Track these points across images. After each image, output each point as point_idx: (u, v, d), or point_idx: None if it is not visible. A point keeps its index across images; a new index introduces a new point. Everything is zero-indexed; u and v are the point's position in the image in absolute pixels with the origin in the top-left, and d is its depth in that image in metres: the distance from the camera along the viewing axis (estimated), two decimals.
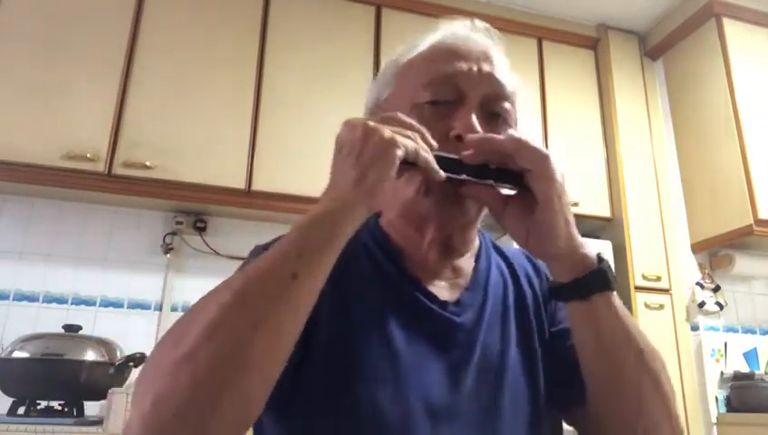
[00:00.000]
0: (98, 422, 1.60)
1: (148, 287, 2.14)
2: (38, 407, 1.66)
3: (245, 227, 2.25)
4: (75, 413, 1.68)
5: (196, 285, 2.15)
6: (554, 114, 2.56)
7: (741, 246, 2.50)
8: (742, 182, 2.32)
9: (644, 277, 2.37)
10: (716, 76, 2.50)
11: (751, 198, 2.29)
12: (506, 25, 2.55)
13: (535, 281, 0.73)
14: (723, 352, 2.46)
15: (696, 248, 2.56)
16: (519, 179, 0.57)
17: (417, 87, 0.65)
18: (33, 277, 2.05)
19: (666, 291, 2.40)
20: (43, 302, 2.04)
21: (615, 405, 0.58)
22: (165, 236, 2.19)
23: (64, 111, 1.95)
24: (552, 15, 2.71)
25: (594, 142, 2.60)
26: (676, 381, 2.24)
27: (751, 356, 2.50)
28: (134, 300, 2.12)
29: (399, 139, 0.52)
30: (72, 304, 2.06)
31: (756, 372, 2.37)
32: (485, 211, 0.67)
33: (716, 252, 2.57)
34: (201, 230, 2.22)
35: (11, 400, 1.65)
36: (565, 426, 0.70)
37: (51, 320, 1.96)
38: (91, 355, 1.67)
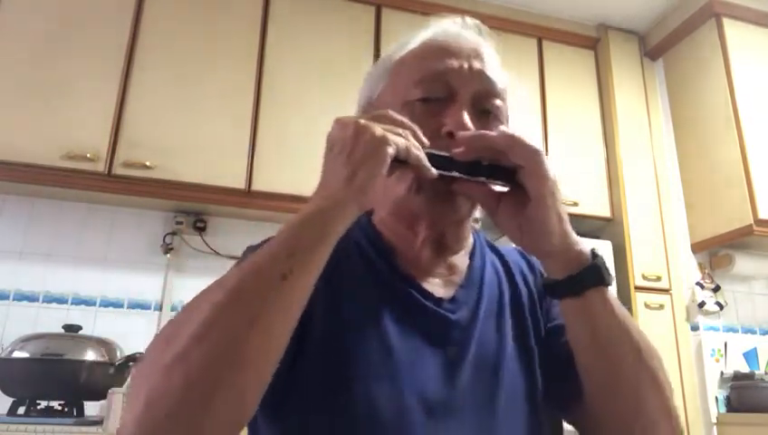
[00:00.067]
0: (98, 422, 1.60)
1: (148, 287, 2.14)
2: (38, 407, 1.66)
3: (245, 227, 2.25)
4: (75, 413, 1.68)
5: (196, 285, 2.11)
6: (554, 114, 2.56)
7: (741, 246, 2.50)
8: (742, 182, 2.32)
9: (644, 277, 2.37)
10: (716, 76, 2.50)
11: (751, 198, 2.29)
12: (506, 25, 2.56)
13: (530, 278, 0.73)
14: (723, 352, 2.46)
15: (696, 248, 2.56)
16: (511, 176, 0.57)
17: (409, 84, 0.65)
18: (33, 277, 2.05)
19: (666, 291, 2.40)
20: (43, 302, 2.04)
21: (613, 404, 0.58)
22: (165, 236, 2.19)
23: (64, 111, 1.95)
24: (552, 15, 2.71)
25: (594, 142, 2.60)
26: (676, 381, 2.24)
27: (751, 356, 2.50)
28: (134, 300, 2.12)
29: (390, 136, 0.52)
30: (72, 304, 2.06)
31: (756, 372, 2.37)
32: (478, 209, 0.67)
33: (716, 252, 2.56)
34: (201, 230, 2.22)
35: (11, 400, 1.65)
36: (566, 426, 0.70)
37: (51, 320, 1.96)
38: (91, 355, 1.67)
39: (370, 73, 0.72)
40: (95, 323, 2.03)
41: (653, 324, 2.31)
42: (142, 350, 1.77)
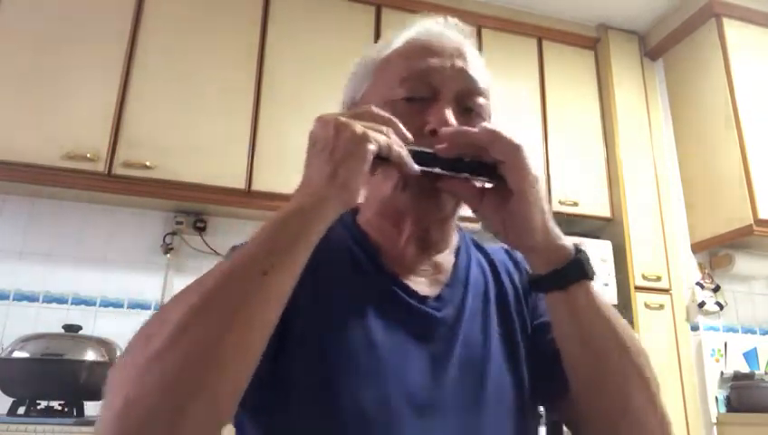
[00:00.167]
0: None
1: (148, 287, 2.14)
2: (38, 407, 1.66)
3: (245, 227, 2.25)
4: (75, 413, 1.68)
5: None
6: (554, 114, 2.56)
7: (741, 246, 2.50)
8: (742, 182, 2.32)
9: (644, 277, 2.37)
10: (716, 76, 2.50)
11: (751, 198, 2.29)
12: (506, 25, 2.56)
13: (516, 276, 0.73)
14: (723, 352, 2.46)
15: (696, 248, 2.56)
16: (494, 172, 0.57)
17: (392, 84, 0.65)
18: (33, 277, 2.05)
19: (666, 291, 2.41)
20: (43, 302, 2.04)
21: (599, 400, 0.58)
22: (165, 236, 2.19)
23: (64, 110, 1.96)
24: (552, 15, 2.71)
25: (594, 142, 2.60)
26: (676, 381, 2.25)
27: (751, 356, 2.50)
28: (134, 300, 2.12)
29: (372, 134, 0.52)
30: (72, 304, 2.06)
31: (756, 372, 2.38)
32: (465, 207, 0.67)
33: (716, 252, 2.57)
34: (201, 230, 2.22)
35: (11, 400, 1.65)
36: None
37: (51, 320, 1.96)
38: (91, 355, 1.67)
39: (354, 73, 0.72)
40: (95, 323, 2.03)
41: (653, 324, 2.31)
42: None
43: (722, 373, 2.41)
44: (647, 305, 2.34)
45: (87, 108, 1.98)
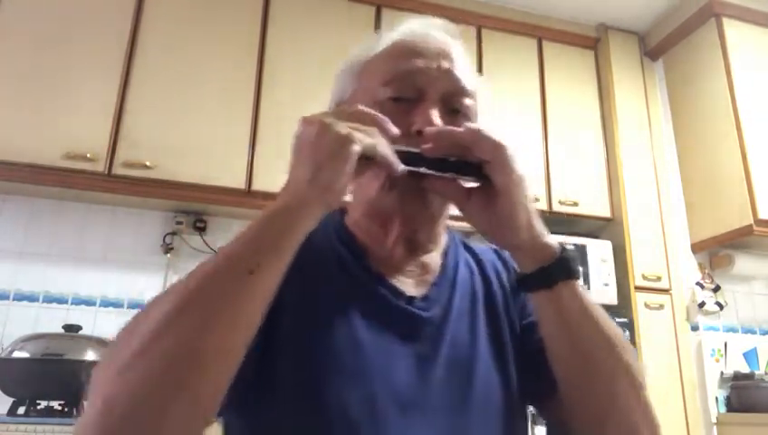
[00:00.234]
0: None
1: (148, 287, 2.13)
2: (38, 407, 1.66)
3: None
4: (75, 413, 1.68)
5: None
6: (554, 114, 2.56)
7: (741, 246, 2.50)
8: (742, 182, 2.32)
9: (644, 277, 2.37)
10: (716, 76, 2.50)
11: (751, 198, 2.29)
12: (506, 25, 2.56)
13: (504, 276, 0.73)
14: (723, 352, 2.46)
15: (696, 248, 2.56)
16: (479, 171, 0.57)
17: (378, 84, 0.65)
18: (33, 277, 2.05)
19: (666, 291, 2.41)
20: (43, 302, 2.04)
21: (587, 398, 0.58)
22: (165, 236, 2.19)
23: (64, 111, 1.96)
24: (552, 15, 2.71)
25: (594, 142, 2.60)
26: (676, 381, 2.25)
27: (751, 356, 2.50)
28: (134, 300, 2.12)
29: (356, 134, 0.52)
30: (72, 304, 2.06)
31: (756, 372, 2.38)
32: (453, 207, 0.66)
33: (716, 252, 2.57)
34: (201, 230, 2.22)
35: (11, 400, 1.65)
36: None
37: (51, 320, 1.96)
38: (91, 355, 1.67)
39: (342, 72, 0.73)
40: (95, 323, 2.03)
41: (653, 324, 2.31)
42: None
43: (722, 373, 2.41)
44: (647, 305, 2.34)
45: (87, 108, 1.98)
